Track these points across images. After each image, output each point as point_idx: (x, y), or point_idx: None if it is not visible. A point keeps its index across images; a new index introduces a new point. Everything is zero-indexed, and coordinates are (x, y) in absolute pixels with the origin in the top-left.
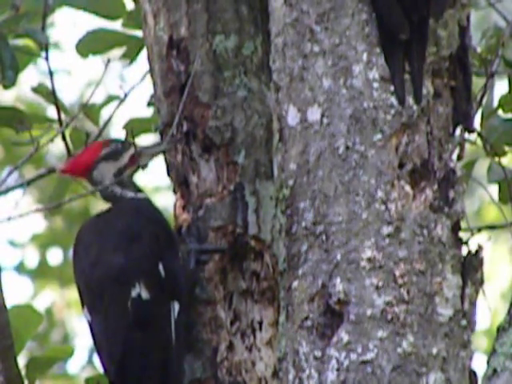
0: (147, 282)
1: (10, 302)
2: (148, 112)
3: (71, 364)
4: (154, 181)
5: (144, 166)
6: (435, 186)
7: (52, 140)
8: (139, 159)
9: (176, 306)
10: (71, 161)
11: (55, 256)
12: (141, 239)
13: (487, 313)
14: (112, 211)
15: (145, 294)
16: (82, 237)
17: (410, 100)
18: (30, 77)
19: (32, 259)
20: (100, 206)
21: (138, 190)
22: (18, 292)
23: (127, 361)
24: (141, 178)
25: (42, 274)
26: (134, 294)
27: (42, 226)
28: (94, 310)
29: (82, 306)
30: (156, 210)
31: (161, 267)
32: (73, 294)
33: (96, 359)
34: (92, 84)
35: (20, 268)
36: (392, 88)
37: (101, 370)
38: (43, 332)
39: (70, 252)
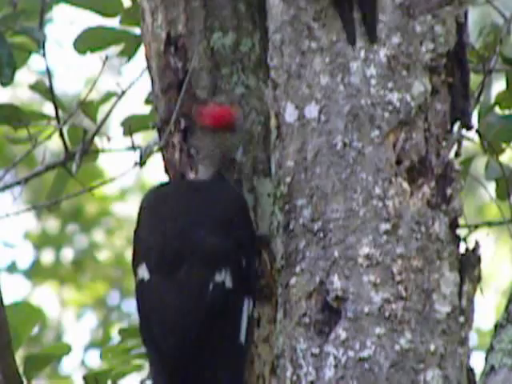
0: (233, 271)
1: (5, 302)
2: (146, 109)
3: (64, 364)
4: (152, 178)
5: (142, 163)
6: (433, 183)
7: (50, 137)
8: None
9: (249, 302)
10: (218, 110)
11: (48, 256)
12: (238, 229)
13: (486, 310)
14: (201, 189)
15: (228, 283)
16: (164, 199)
17: (408, 97)
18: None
19: (25, 259)
20: (92, 206)
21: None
22: (11, 292)
23: (194, 339)
24: (138, 176)
25: (35, 273)
26: (218, 278)
27: (34, 225)
28: (159, 273)
29: (135, 261)
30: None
31: (244, 260)
32: (67, 293)
33: (89, 359)
34: (90, 81)
35: (12, 268)
36: (390, 85)
37: (95, 368)
38: (36, 333)
39: (63, 252)
